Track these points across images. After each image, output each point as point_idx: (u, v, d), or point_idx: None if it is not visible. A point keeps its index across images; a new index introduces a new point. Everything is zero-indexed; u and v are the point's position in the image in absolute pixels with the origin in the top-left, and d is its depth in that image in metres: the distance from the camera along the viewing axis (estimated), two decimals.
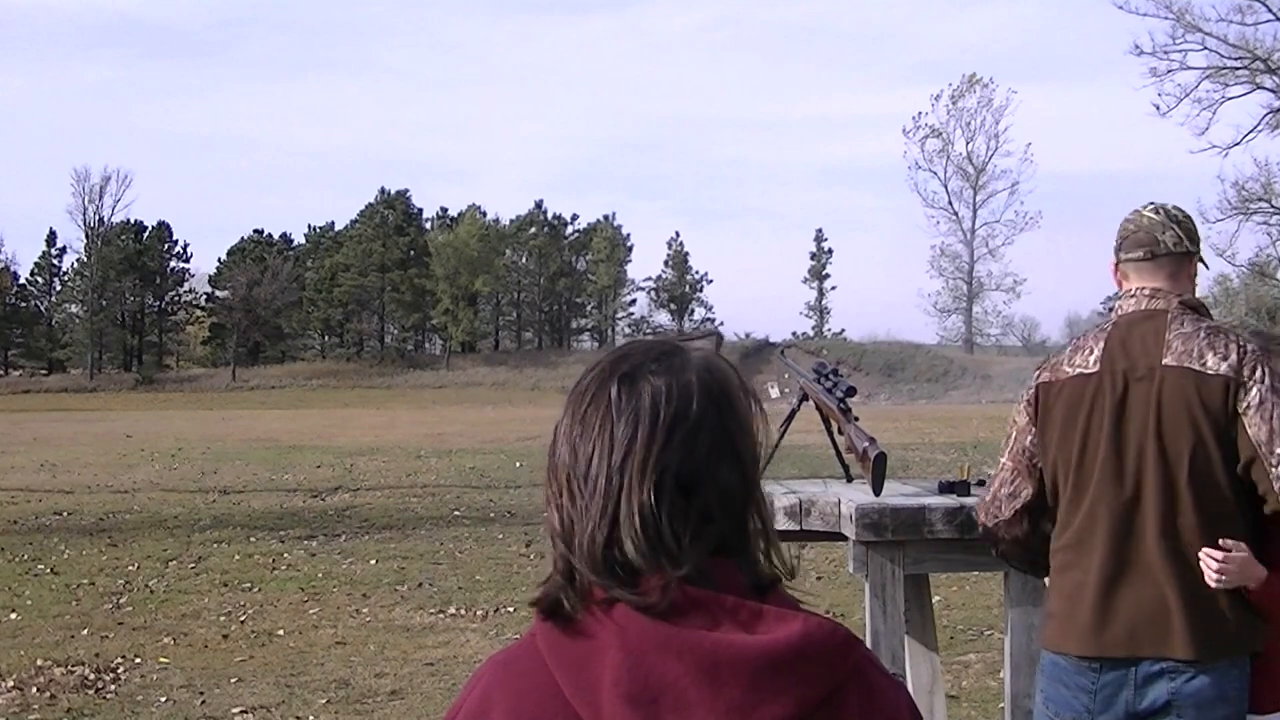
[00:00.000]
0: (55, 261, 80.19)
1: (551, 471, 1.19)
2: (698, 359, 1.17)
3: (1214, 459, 2.48)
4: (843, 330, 79.41)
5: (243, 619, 7.93)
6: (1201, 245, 2.78)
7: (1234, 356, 2.52)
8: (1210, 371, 2.50)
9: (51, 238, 79.57)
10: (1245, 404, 2.47)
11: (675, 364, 1.16)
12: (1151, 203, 2.77)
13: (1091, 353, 2.64)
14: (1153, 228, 2.71)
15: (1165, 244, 2.69)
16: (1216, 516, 2.48)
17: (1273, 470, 2.44)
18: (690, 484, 1.12)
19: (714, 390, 1.15)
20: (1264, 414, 2.46)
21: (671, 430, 1.12)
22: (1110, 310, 2.80)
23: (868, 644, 3.25)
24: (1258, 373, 2.50)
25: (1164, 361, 2.55)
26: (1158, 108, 34.27)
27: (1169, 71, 33.78)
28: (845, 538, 3.45)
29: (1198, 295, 2.76)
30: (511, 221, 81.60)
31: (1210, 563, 2.45)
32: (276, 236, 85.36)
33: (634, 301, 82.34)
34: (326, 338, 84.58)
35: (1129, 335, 2.62)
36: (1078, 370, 2.65)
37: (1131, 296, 2.69)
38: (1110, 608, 2.54)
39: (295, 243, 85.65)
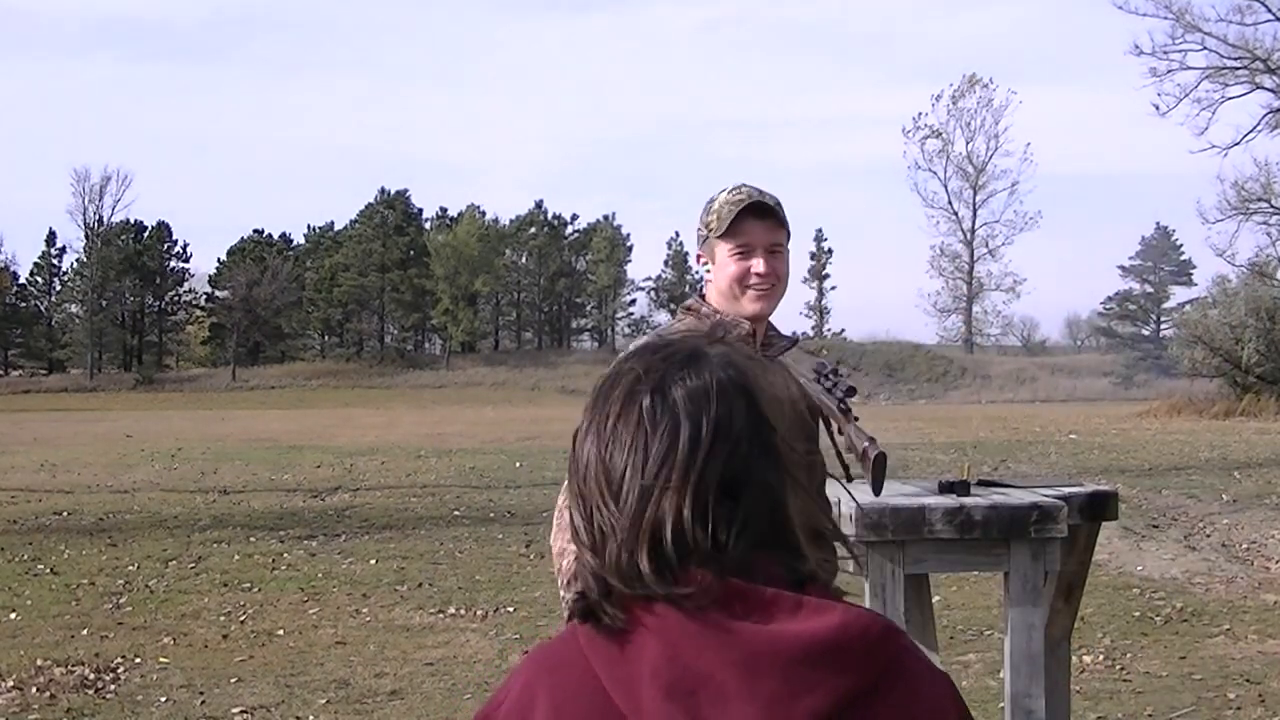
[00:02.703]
0: (55, 261, 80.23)
1: (578, 481, 1.18)
2: (720, 359, 1.17)
3: None
4: (843, 330, 79.53)
5: (243, 619, 7.92)
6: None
7: None
8: None
9: (51, 238, 79.63)
10: None
11: (702, 369, 1.16)
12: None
13: None
14: None
15: None
16: None
17: None
18: (731, 488, 1.12)
19: (743, 391, 1.15)
20: None
21: (709, 440, 1.12)
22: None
23: None
24: None
25: None
26: (1157, 108, 34.31)
27: (1169, 71, 33.80)
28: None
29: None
30: (511, 221, 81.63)
31: None
32: (276, 236, 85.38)
33: (634, 301, 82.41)
34: (326, 338, 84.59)
35: None
36: None
37: None
38: None
39: (295, 243, 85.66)
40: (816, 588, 1.13)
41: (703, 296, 2.75)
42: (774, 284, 2.64)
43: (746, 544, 1.12)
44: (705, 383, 1.14)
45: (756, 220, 2.61)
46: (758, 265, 2.62)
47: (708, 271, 2.72)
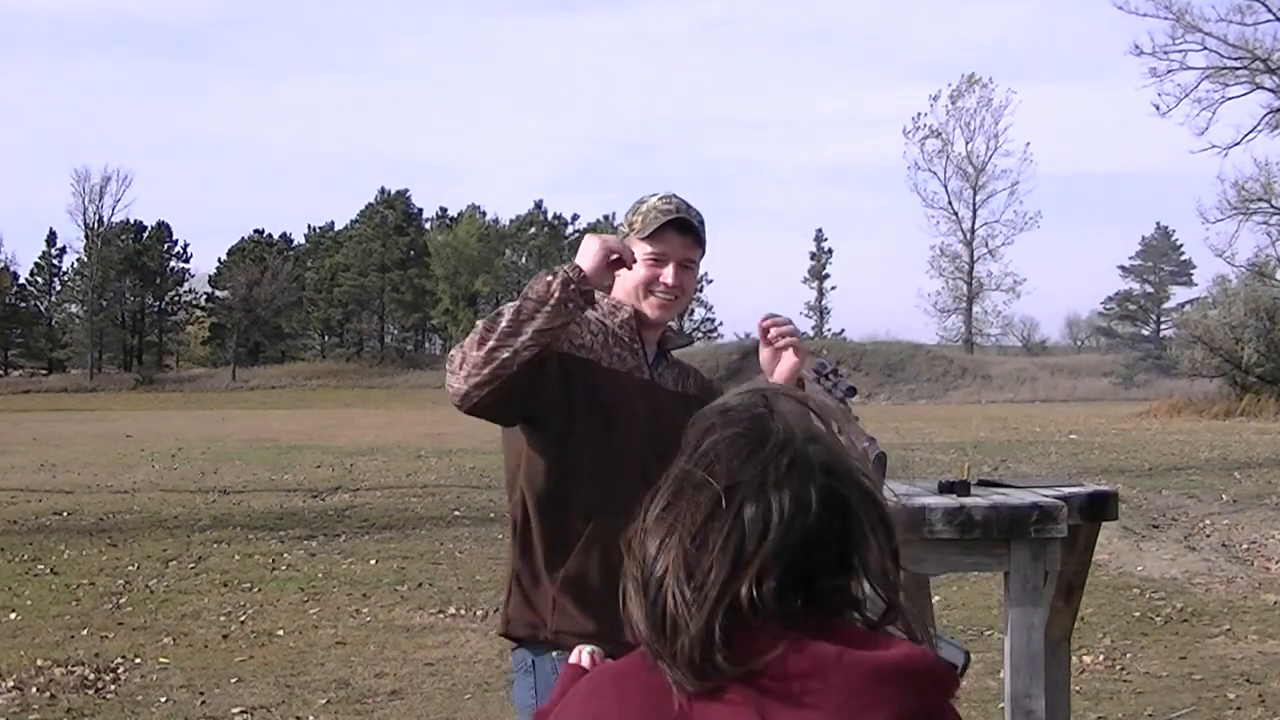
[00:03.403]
0: (55, 261, 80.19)
1: (647, 561, 1.23)
2: (820, 461, 1.22)
3: None
4: (843, 330, 79.36)
5: (243, 619, 7.93)
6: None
7: None
8: None
9: (51, 238, 79.60)
10: None
11: (795, 479, 1.20)
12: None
13: None
14: None
15: None
16: None
17: None
18: (819, 570, 1.20)
19: (837, 495, 1.21)
20: None
21: (802, 540, 1.18)
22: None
23: None
24: None
25: None
26: (1157, 108, 34.26)
27: (1169, 71, 33.76)
28: None
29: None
30: (511, 221, 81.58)
31: None
32: (276, 236, 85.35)
33: None
34: (326, 338, 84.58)
35: None
36: None
37: None
38: None
39: (295, 243, 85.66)
40: (886, 631, 1.23)
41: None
42: (678, 296, 2.69)
43: (830, 611, 1.20)
44: (798, 490, 1.20)
45: (677, 234, 2.66)
46: (667, 275, 2.66)
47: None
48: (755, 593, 1.17)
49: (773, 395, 1.29)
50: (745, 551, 1.17)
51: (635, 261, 2.63)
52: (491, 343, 2.41)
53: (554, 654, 2.53)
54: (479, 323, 2.49)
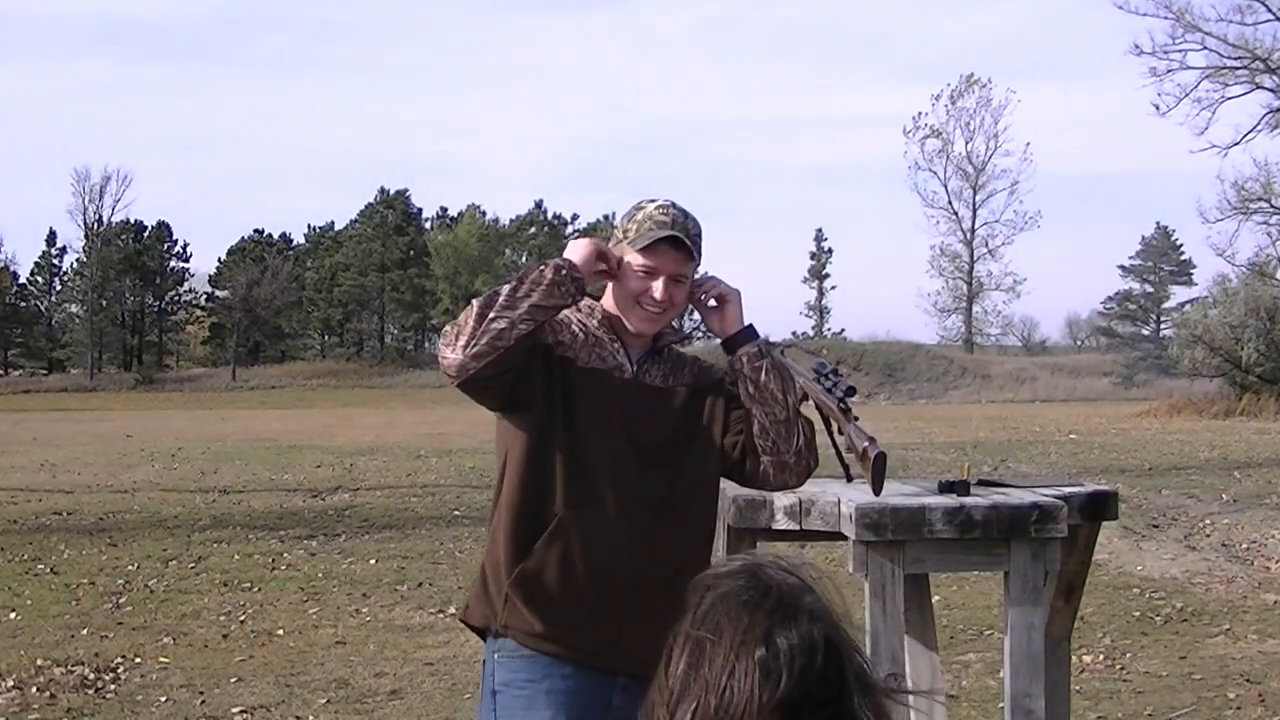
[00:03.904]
0: (55, 261, 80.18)
1: (674, 697, 1.30)
2: (816, 609, 1.32)
3: None
4: (843, 330, 79.27)
5: (243, 619, 7.93)
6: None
7: None
8: None
9: (51, 237, 79.59)
10: None
11: (802, 622, 1.29)
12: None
13: None
14: None
15: None
16: None
17: None
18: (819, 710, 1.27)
19: (834, 639, 1.30)
20: None
21: (810, 679, 1.27)
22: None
23: (867, 644, 3.26)
24: None
25: None
26: (1157, 108, 34.28)
27: (1169, 71, 33.78)
28: (845, 537, 3.45)
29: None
30: (511, 221, 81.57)
31: None
32: (276, 236, 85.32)
33: None
34: (326, 338, 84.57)
35: None
36: None
37: None
38: None
39: (295, 243, 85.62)
40: None
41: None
42: (665, 310, 2.65)
43: None
44: (803, 635, 1.29)
45: (671, 249, 2.61)
46: (656, 290, 2.62)
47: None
48: None
49: (762, 560, 1.38)
50: (761, 700, 1.25)
51: (618, 273, 2.65)
52: (490, 314, 2.48)
53: (495, 649, 2.59)
54: (474, 301, 2.54)
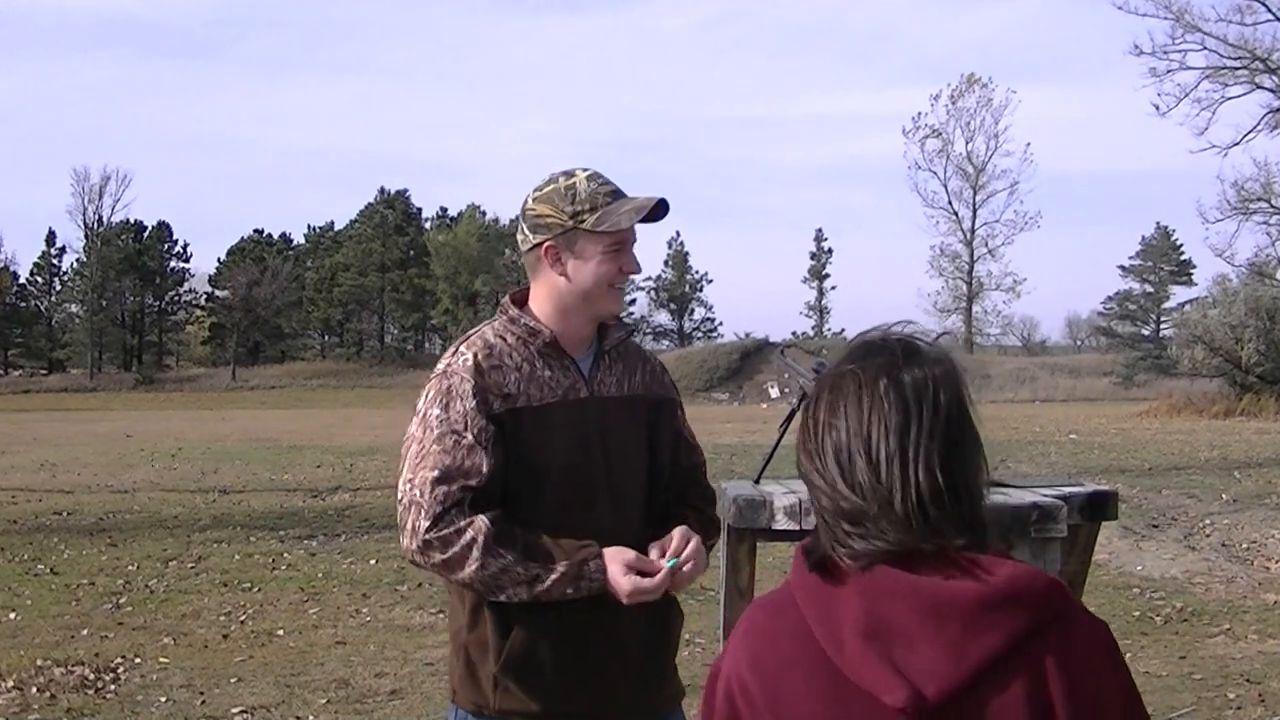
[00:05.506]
0: (55, 261, 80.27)
1: (817, 455, 1.38)
2: (938, 354, 1.40)
3: None
4: (843, 330, 79.26)
5: (243, 619, 7.93)
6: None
7: None
8: None
9: (51, 237, 79.67)
10: None
11: (925, 360, 1.39)
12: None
13: None
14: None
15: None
16: None
17: None
18: (946, 462, 1.36)
19: (956, 382, 1.39)
20: None
21: (932, 417, 1.36)
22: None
23: None
24: None
25: None
26: (1157, 108, 34.26)
27: (1168, 71, 33.77)
28: None
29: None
30: (511, 221, 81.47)
31: None
32: (276, 236, 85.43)
33: (634, 301, 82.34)
34: (326, 338, 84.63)
35: None
36: None
37: None
38: None
39: (295, 243, 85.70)
40: (994, 549, 1.36)
41: (518, 299, 2.50)
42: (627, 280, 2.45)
43: (953, 510, 1.35)
44: (927, 372, 1.37)
45: (636, 215, 2.37)
46: (629, 263, 2.41)
47: (556, 266, 2.41)
48: (918, 474, 1.33)
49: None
50: (885, 427, 1.34)
51: (577, 264, 2.39)
52: (503, 584, 2.28)
53: None
54: (470, 549, 2.26)
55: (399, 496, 2.39)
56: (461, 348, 2.43)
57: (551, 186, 2.41)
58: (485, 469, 2.30)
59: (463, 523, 2.27)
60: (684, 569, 2.35)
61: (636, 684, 2.45)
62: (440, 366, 2.45)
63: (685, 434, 2.64)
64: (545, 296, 2.44)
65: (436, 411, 2.37)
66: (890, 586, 1.30)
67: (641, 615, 2.37)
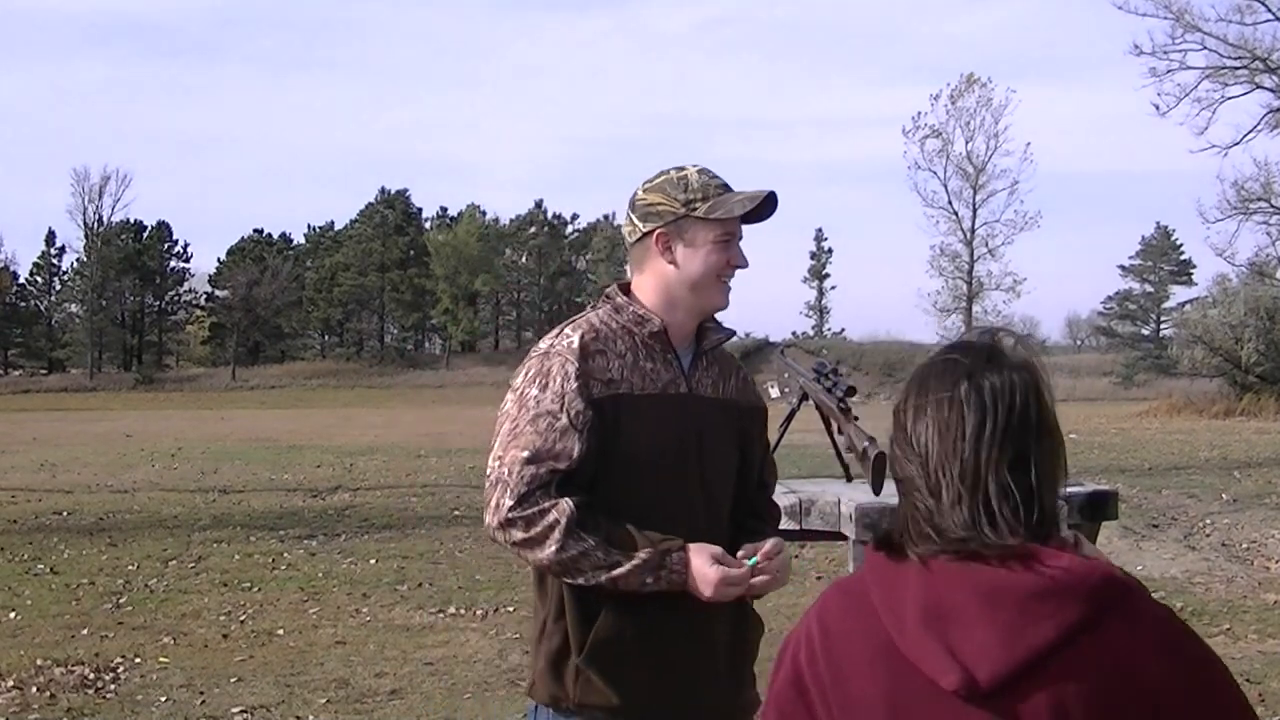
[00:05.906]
0: (55, 261, 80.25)
1: (901, 451, 1.46)
2: (1018, 359, 1.46)
3: None
4: (843, 330, 79.39)
5: (243, 619, 7.93)
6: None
7: None
8: None
9: (51, 237, 79.66)
10: None
11: (1003, 365, 1.45)
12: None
13: None
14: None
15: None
16: None
17: None
18: (1017, 467, 1.40)
19: (1034, 386, 1.45)
20: None
21: (1006, 422, 1.41)
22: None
23: None
24: None
25: None
26: (1157, 108, 34.17)
27: (1168, 71, 33.69)
28: (845, 537, 3.45)
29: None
30: (511, 221, 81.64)
31: None
32: (276, 236, 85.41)
33: None
34: (326, 337, 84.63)
35: None
36: None
37: None
38: None
39: (295, 242, 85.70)
40: (1055, 539, 1.40)
41: (626, 287, 2.49)
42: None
43: (1022, 515, 1.38)
44: (1005, 377, 1.43)
45: (739, 208, 2.38)
46: (738, 256, 2.42)
47: (666, 255, 2.41)
48: (993, 474, 1.39)
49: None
50: (966, 429, 1.40)
51: (687, 254, 2.40)
52: (582, 568, 2.26)
53: None
54: (551, 530, 2.26)
55: (487, 472, 2.40)
56: (567, 329, 2.42)
57: (663, 178, 2.42)
58: (576, 453, 2.29)
59: (547, 504, 2.27)
60: (762, 577, 2.32)
61: (720, 686, 2.42)
62: (543, 346, 2.43)
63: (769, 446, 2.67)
64: (653, 287, 2.43)
65: (534, 391, 2.35)
66: (952, 573, 1.36)
67: (728, 618, 2.35)
